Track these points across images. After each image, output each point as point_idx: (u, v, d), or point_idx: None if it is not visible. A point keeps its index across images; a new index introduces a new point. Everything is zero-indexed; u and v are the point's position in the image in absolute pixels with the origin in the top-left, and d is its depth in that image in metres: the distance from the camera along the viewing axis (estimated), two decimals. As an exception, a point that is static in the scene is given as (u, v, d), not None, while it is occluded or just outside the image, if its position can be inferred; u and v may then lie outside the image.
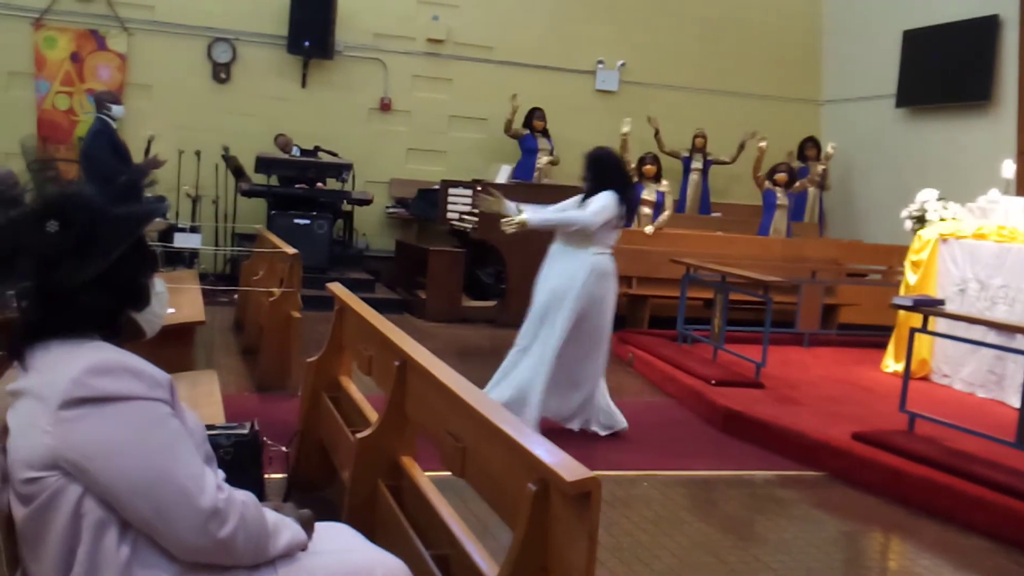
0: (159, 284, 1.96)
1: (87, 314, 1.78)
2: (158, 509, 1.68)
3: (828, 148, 11.28)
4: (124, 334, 1.87)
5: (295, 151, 10.55)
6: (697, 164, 11.73)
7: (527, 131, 11.20)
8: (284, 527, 1.86)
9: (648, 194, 9.79)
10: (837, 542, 4.31)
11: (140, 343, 1.92)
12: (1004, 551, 4.21)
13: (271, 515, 1.85)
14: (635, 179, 9.92)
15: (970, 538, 4.34)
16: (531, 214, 5.38)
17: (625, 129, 10.09)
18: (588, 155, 5.52)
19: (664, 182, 10.04)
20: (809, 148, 11.70)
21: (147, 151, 9.33)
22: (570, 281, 5.29)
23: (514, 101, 10.99)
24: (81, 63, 10.38)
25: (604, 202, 5.28)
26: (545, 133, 11.23)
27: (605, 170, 5.44)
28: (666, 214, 9.77)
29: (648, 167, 9.84)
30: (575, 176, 10.94)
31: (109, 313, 1.82)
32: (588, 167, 5.47)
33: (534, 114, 11.20)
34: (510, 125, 11.09)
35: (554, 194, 9.77)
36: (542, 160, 11.01)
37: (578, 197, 5.55)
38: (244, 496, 1.80)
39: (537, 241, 9.29)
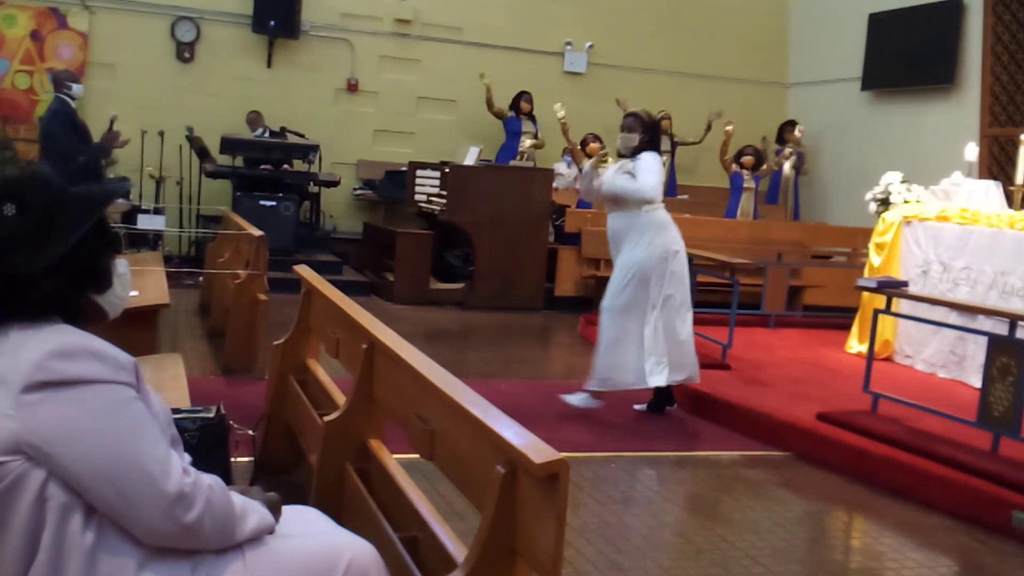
0: (122, 266, 1.93)
1: (47, 297, 1.74)
2: (123, 494, 1.66)
3: (796, 131, 11.37)
4: (86, 316, 1.84)
5: (259, 131, 10.45)
6: (665, 147, 11.76)
7: (512, 113, 11.18)
8: (251, 511, 1.84)
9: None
10: (802, 521, 4.36)
11: (103, 325, 1.89)
12: (965, 529, 4.28)
13: (238, 499, 1.84)
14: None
15: (932, 516, 4.41)
16: (609, 175, 5.53)
17: (561, 114, 10.15)
18: (641, 117, 5.61)
19: (609, 159, 10.07)
20: (788, 131, 11.77)
21: (109, 131, 9.20)
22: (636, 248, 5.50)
23: (484, 80, 10.97)
24: (42, 42, 10.20)
25: (651, 164, 5.46)
26: (531, 116, 11.21)
27: (656, 136, 5.66)
28: None
29: (593, 146, 9.84)
30: (546, 158, 11.09)
31: (69, 296, 1.79)
32: (643, 128, 5.57)
33: (521, 97, 11.19)
34: (491, 104, 11.07)
35: (523, 176, 9.84)
36: (525, 143, 11.01)
37: (569, 171, 5.70)
38: (211, 480, 1.78)
39: (505, 223, 9.33)
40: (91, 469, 1.65)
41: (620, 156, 5.63)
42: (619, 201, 5.52)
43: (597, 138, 10.06)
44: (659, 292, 5.47)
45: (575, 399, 5.63)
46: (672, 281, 5.51)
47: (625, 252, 5.52)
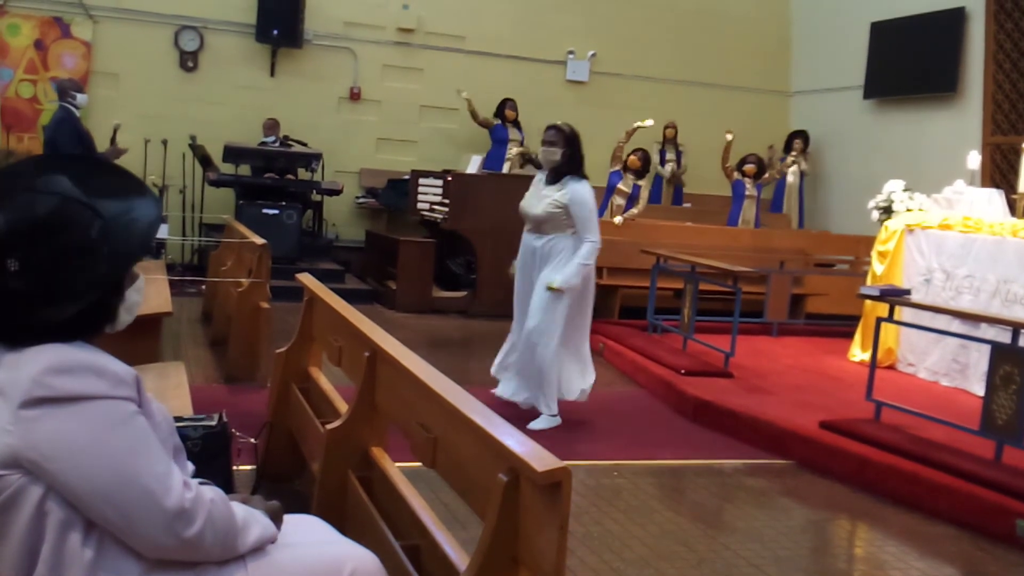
0: (135, 293, 1.87)
1: (48, 331, 1.70)
2: (122, 510, 1.65)
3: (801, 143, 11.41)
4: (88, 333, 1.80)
5: (270, 138, 10.47)
6: (671, 156, 11.79)
7: (498, 121, 11.19)
8: (254, 522, 1.84)
9: (624, 185, 9.81)
10: (805, 530, 4.35)
11: (105, 335, 1.87)
12: (969, 537, 4.27)
13: (240, 510, 1.83)
14: (617, 168, 9.93)
15: (936, 525, 4.40)
16: (563, 278, 5.33)
17: (649, 123, 9.96)
18: (563, 129, 5.49)
19: (644, 179, 10.08)
20: (796, 141, 11.76)
21: (113, 140, 9.22)
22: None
23: (463, 95, 11.02)
24: (45, 51, 10.23)
25: (590, 202, 5.42)
26: (516, 123, 11.23)
27: (578, 150, 5.49)
28: (639, 207, 9.78)
29: (633, 159, 9.84)
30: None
31: (70, 333, 1.72)
32: (565, 142, 5.44)
33: (506, 104, 11.19)
34: (475, 115, 11.09)
35: (525, 184, 9.78)
36: (512, 150, 11.01)
37: (540, 177, 5.60)
38: (212, 493, 1.77)
39: (507, 231, 9.31)
40: (90, 486, 1.64)
41: (530, 164, 5.60)
42: (543, 227, 5.46)
43: (645, 156, 10.05)
44: (577, 310, 5.51)
45: (539, 424, 5.46)
46: (584, 301, 5.54)
47: (550, 272, 5.42)
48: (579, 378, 5.62)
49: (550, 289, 5.32)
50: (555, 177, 5.47)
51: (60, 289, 1.68)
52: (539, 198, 5.50)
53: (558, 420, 5.51)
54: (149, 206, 1.82)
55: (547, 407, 5.48)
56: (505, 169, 10.80)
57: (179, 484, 1.70)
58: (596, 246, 5.39)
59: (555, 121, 5.61)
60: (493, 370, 5.85)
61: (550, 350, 5.38)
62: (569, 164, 5.43)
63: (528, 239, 5.60)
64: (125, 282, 1.83)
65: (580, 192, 5.36)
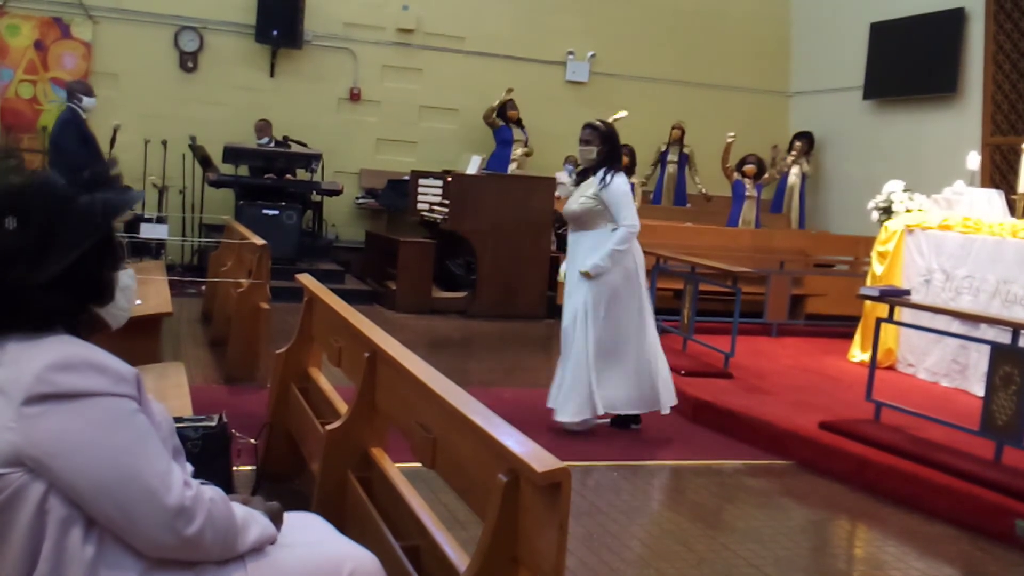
0: (127, 277, 1.90)
1: (46, 311, 1.72)
2: (123, 508, 1.65)
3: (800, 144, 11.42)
4: (88, 327, 1.83)
5: (265, 140, 10.46)
6: (673, 156, 11.79)
7: (502, 122, 11.20)
8: (253, 522, 1.84)
9: None
10: (805, 530, 4.35)
11: (106, 334, 1.88)
12: (968, 538, 4.26)
13: (240, 510, 1.83)
14: None
15: (935, 525, 4.40)
16: (593, 263, 5.24)
17: (623, 114, 9.85)
18: (598, 128, 5.39)
19: (636, 177, 10.08)
20: (796, 142, 11.76)
21: (113, 141, 9.22)
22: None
23: (508, 94, 10.98)
24: (45, 51, 10.23)
25: (625, 189, 5.34)
26: (519, 124, 11.24)
27: (615, 147, 5.43)
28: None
29: (623, 157, 9.84)
30: (547, 167, 11.10)
31: (70, 310, 1.76)
32: (601, 140, 5.36)
33: (507, 105, 11.19)
34: (492, 113, 11.09)
35: (525, 184, 9.85)
36: (517, 151, 11.02)
37: (571, 180, 5.55)
38: (212, 492, 1.77)
39: (507, 232, 9.34)
40: (91, 482, 1.64)
41: (577, 169, 5.52)
42: (582, 221, 5.36)
43: (631, 152, 10.01)
44: (636, 309, 5.37)
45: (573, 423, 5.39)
46: (623, 299, 5.35)
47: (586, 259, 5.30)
48: (625, 386, 5.36)
49: (582, 274, 5.26)
50: (589, 173, 5.41)
51: (55, 240, 1.70)
52: (576, 195, 5.45)
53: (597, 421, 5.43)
54: (132, 189, 1.95)
55: (565, 413, 5.30)
56: (511, 170, 10.81)
57: (179, 482, 1.70)
58: (630, 231, 5.26)
59: (590, 120, 5.50)
60: (552, 402, 5.49)
61: (578, 349, 5.27)
62: (606, 162, 5.37)
63: (571, 238, 5.51)
64: (112, 254, 1.84)
65: (616, 186, 5.31)
